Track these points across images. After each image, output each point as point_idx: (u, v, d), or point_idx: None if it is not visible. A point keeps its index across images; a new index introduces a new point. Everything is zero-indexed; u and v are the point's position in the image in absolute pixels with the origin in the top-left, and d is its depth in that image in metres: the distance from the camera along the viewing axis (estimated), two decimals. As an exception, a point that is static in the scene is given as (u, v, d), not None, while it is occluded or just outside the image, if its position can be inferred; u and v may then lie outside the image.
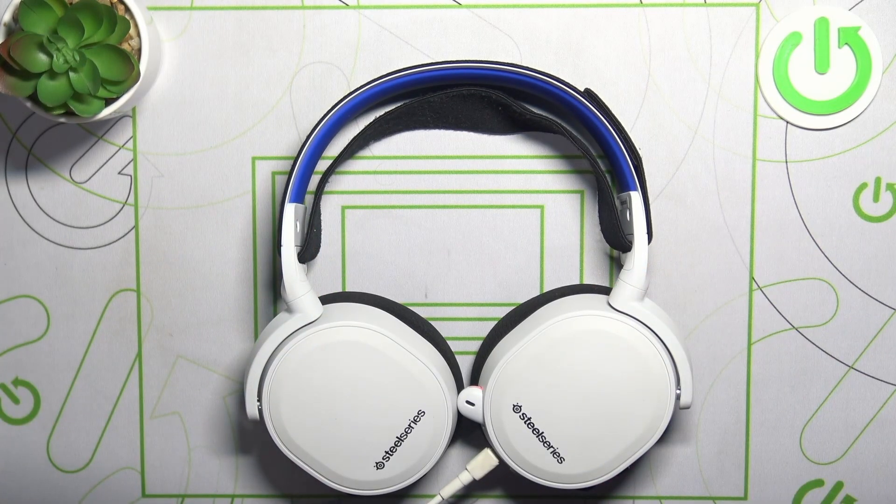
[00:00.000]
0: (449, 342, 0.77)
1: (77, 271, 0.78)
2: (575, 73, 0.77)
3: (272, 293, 0.78)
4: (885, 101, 0.77)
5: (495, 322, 0.77)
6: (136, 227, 0.78)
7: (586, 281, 0.78)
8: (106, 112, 0.71)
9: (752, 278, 0.78)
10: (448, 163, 0.77)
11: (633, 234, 0.71)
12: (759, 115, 0.77)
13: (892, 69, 0.76)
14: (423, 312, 0.78)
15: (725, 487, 0.80)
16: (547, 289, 0.78)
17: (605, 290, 0.74)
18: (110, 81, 0.70)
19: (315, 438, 0.71)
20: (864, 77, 0.76)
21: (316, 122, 0.74)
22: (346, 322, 0.70)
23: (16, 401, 0.80)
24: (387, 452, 0.71)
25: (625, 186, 0.73)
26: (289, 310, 0.72)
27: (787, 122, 0.77)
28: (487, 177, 0.77)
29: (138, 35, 0.72)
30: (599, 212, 0.77)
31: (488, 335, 0.76)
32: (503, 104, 0.75)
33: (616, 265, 0.78)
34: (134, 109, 0.77)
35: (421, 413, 0.71)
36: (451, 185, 0.78)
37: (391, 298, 0.78)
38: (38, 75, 0.69)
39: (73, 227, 0.78)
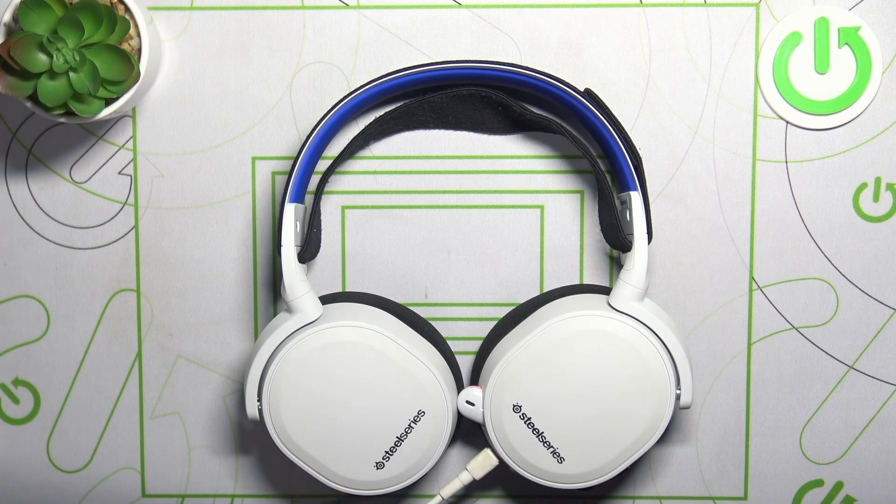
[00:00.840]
0: (449, 342, 0.77)
1: (77, 271, 0.78)
2: (575, 73, 0.76)
3: (272, 293, 0.78)
4: (885, 101, 0.77)
5: (495, 322, 0.77)
6: (136, 227, 0.78)
7: (586, 281, 0.78)
8: (106, 112, 0.71)
9: (752, 278, 0.78)
10: (448, 163, 0.77)
11: (633, 234, 0.71)
12: (759, 115, 0.77)
13: (892, 69, 0.76)
14: (423, 312, 0.78)
15: (725, 487, 0.80)
16: (547, 289, 0.78)
17: (605, 290, 0.74)
18: (110, 81, 0.70)
19: (315, 438, 0.71)
20: (864, 77, 0.76)
21: (316, 122, 0.74)
22: (346, 322, 0.70)
23: (16, 401, 0.80)
24: (387, 452, 0.71)
25: (625, 186, 0.73)
26: (289, 310, 0.72)
27: (787, 122, 0.77)
28: (487, 177, 0.77)
29: (138, 35, 0.72)
30: (599, 212, 0.77)
31: (488, 335, 0.76)
32: (503, 104, 0.75)
33: (616, 265, 0.78)
34: (134, 109, 0.77)
35: (421, 413, 0.71)
36: (451, 185, 0.77)
37: (391, 298, 0.78)
38: (38, 75, 0.69)
39: (73, 227, 0.78)
